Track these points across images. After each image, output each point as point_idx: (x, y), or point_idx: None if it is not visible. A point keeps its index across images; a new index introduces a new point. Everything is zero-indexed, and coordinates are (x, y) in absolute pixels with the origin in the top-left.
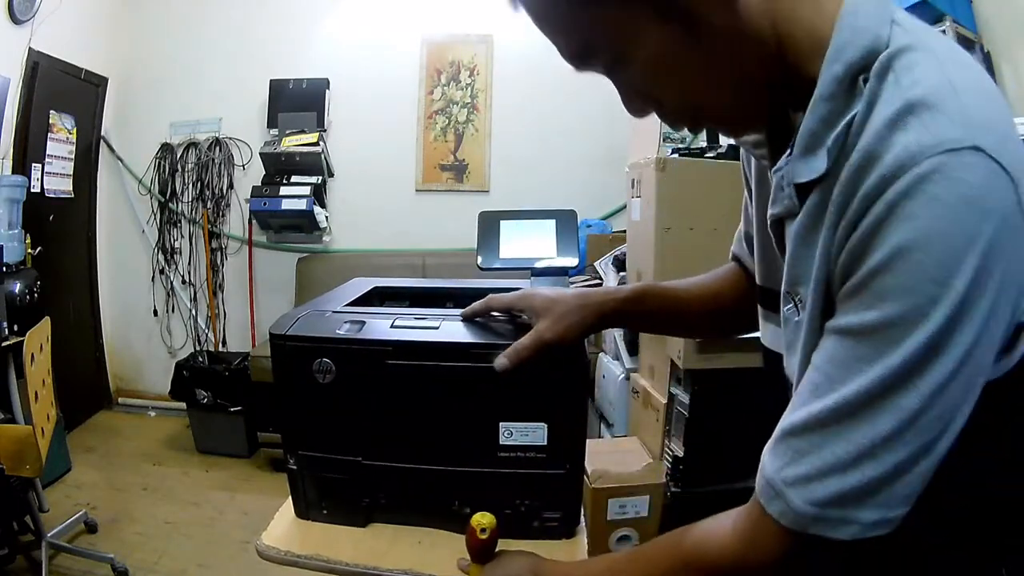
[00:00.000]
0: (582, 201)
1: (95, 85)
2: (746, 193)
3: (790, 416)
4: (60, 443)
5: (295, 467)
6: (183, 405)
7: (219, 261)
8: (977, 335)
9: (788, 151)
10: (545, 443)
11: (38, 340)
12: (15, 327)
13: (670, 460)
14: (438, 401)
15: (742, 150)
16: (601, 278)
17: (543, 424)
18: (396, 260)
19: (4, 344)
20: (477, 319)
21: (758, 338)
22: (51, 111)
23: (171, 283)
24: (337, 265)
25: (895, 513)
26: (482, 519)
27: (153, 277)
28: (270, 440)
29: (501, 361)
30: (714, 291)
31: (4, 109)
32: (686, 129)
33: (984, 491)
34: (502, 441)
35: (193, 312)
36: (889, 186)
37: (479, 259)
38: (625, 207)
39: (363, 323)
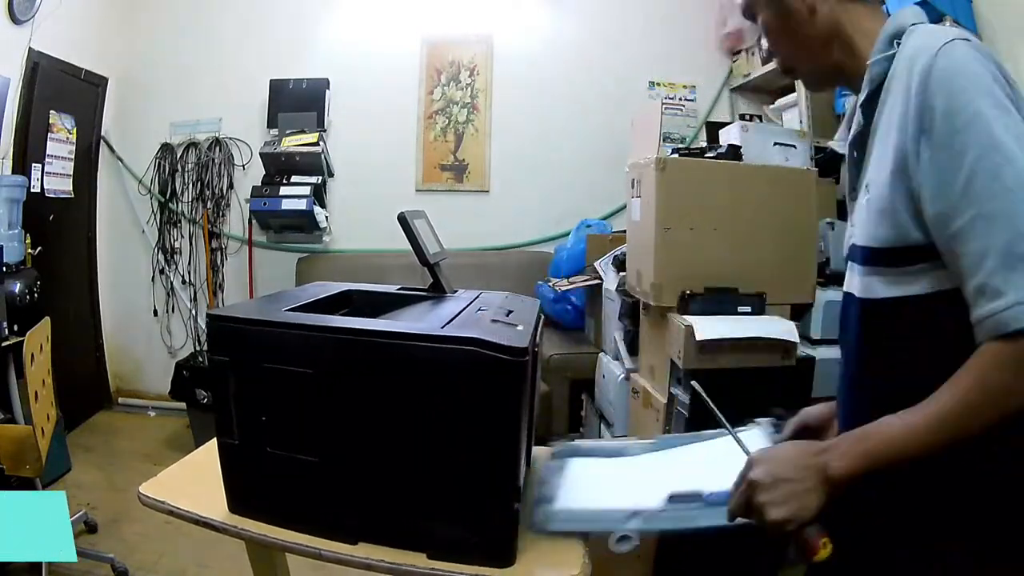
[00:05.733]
0: (582, 201)
1: (95, 85)
2: (848, 198)
3: (977, 260)
4: (60, 443)
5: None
6: (183, 405)
7: (219, 261)
8: (1019, 126)
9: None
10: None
11: (38, 340)
12: (15, 327)
13: None
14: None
15: (841, 173)
16: (601, 278)
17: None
18: (396, 260)
19: (4, 344)
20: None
21: (758, 337)
22: (51, 111)
23: (171, 283)
24: (337, 265)
25: None
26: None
27: (153, 277)
28: None
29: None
30: None
31: (4, 109)
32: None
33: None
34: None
35: (193, 312)
36: (929, 56)
37: None
38: (625, 207)
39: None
